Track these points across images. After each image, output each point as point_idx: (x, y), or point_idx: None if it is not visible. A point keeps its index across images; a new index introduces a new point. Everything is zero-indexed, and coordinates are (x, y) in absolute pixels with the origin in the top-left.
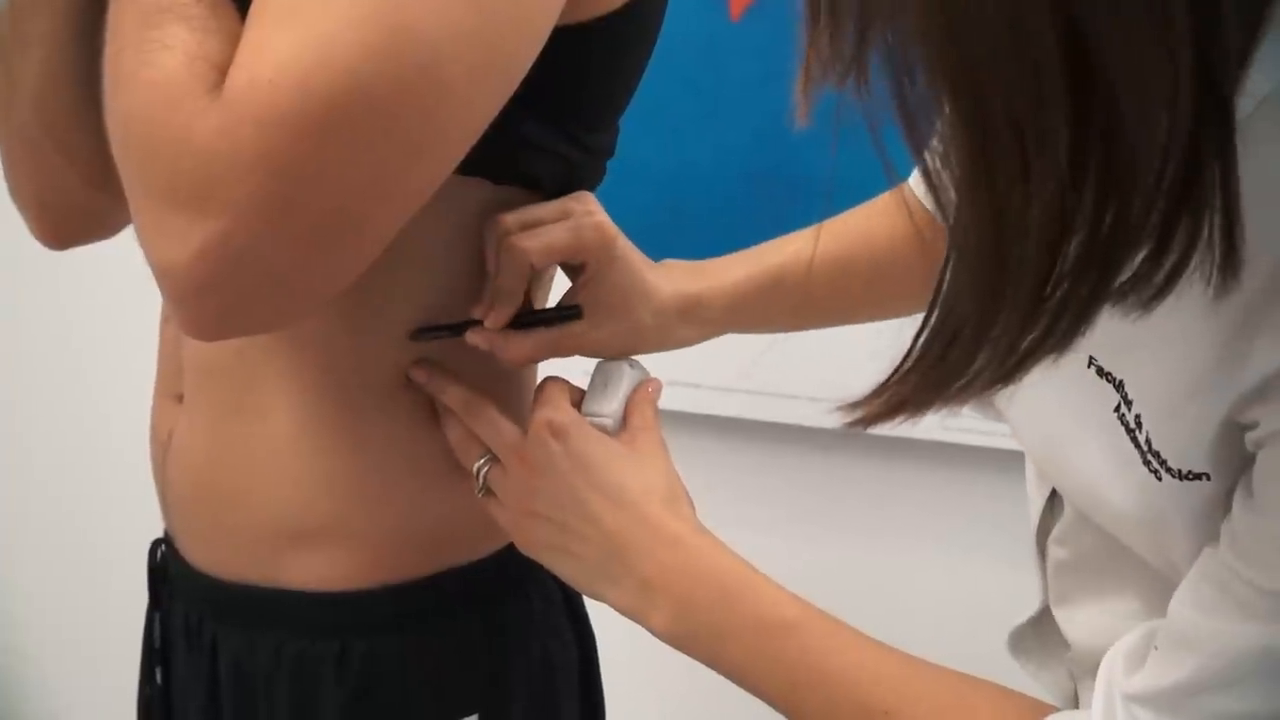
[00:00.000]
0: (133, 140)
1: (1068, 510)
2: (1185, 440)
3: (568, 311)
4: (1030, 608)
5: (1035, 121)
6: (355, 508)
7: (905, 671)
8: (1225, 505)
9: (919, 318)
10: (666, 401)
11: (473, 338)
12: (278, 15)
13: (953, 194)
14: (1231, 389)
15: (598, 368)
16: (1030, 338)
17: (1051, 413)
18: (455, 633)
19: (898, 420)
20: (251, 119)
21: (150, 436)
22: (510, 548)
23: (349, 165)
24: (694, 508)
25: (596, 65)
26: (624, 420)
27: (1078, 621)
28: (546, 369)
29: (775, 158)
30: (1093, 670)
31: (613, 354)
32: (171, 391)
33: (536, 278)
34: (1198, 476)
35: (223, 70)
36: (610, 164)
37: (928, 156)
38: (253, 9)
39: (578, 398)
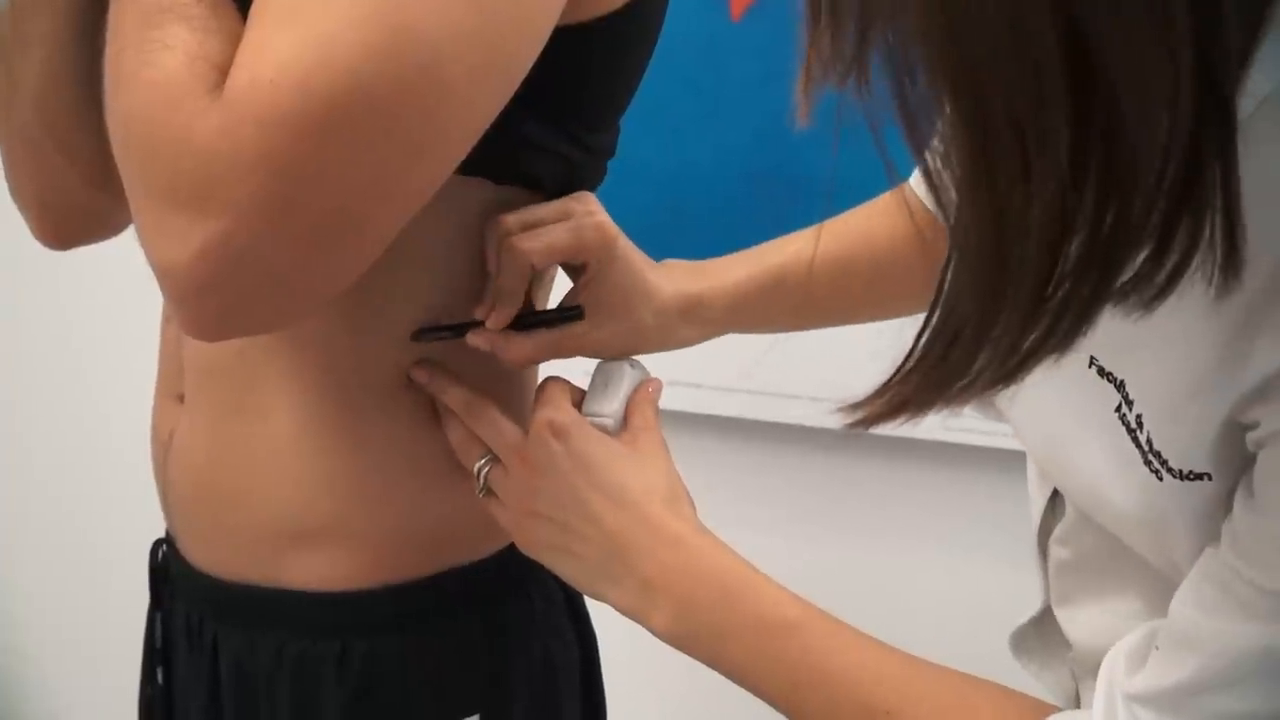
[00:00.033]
0: (133, 140)
1: (1069, 510)
2: (1186, 440)
3: (569, 312)
4: (1031, 608)
5: (1036, 121)
6: (356, 508)
7: (907, 671)
8: (1226, 505)
9: (920, 318)
10: (667, 401)
11: (474, 338)
12: (279, 15)
13: (953, 194)
14: (1232, 389)
15: (598, 368)
16: (1031, 338)
17: (1053, 413)
18: (456, 633)
19: (899, 421)
20: (252, 119)
21: (151, 436)
22: (511, 548)
23: (350, 165)
24: (695, 508)
25: (597, 65)
26: (625, 420)
27: (1079, 621)
28: (547, 369)
29: (776, 158)
30: (1094, 670)
31: (614, 354)
32: (172, 391)
33: (537, 278)
34: (1199, 476)
35: (223, 70)
36: (611, 164)
37: (928, 156)
38: (254, 9)
39: (578, 398)
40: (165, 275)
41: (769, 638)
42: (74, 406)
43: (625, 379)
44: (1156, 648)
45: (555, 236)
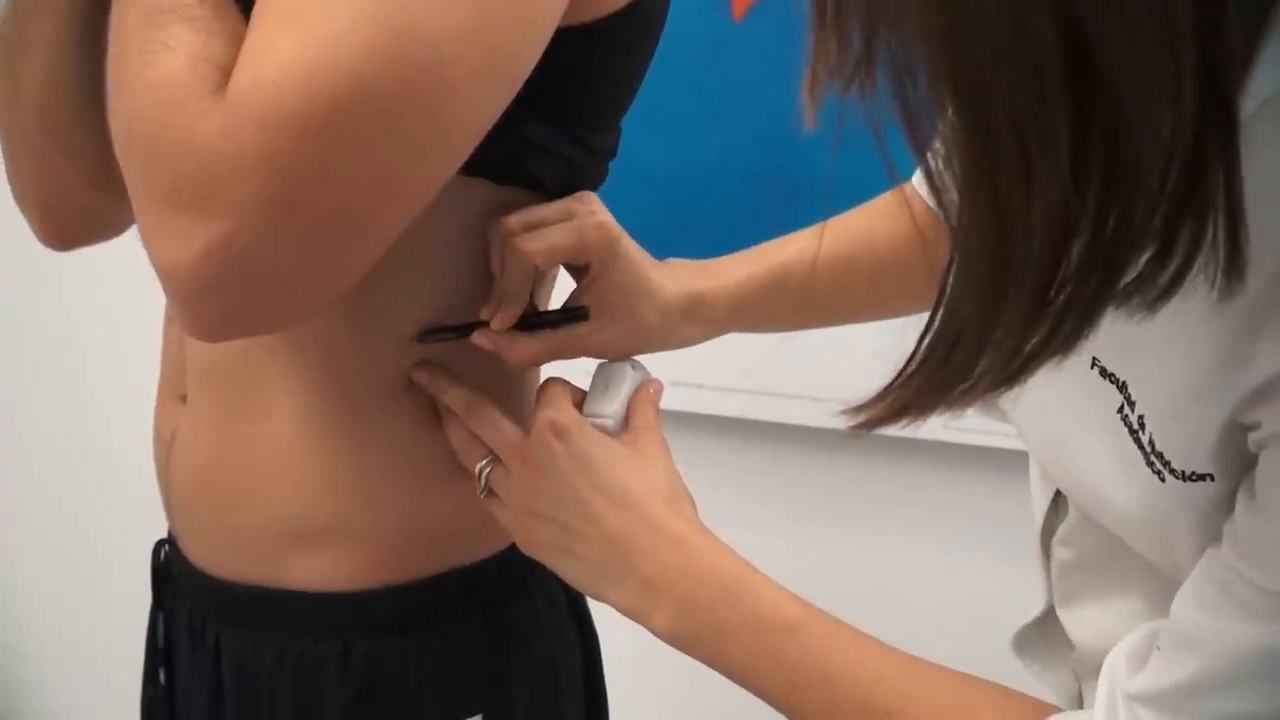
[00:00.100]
0: (136, 141)
1: (1072, 511)
2: (1188, 441)
3: (573, 313)
4: (1032, 608)
5: (1037, 122)
6: (358, 508)
7: (907, 671)
8: (1228, 506)
9: (922, 318)
10: (669, 401)
11: (478, 339)
12: (281, 16)
13: (955, 195)
14: (1234, 390)
15: (599, 369)
16: (1034, 340)
17: (1055, 414)
18: (458, 633)
19: (902, 424)
20: (255, 120)
21: (154, 437)
22: (513, 548)
23: (352, 166)
24: (696, 508)
25: (599, 66)
26: (626, 421)
27: (1082, 622)
28: (548, 370)
29: (778, 158)
30: (1097, 670)
31: (617, 354)
32: (175, 392)
33: (539, 278)
34: (1201, 477)
35: (226, 71)
36: (613, 164)
37: (930, 158)
38: (256, 10)
39: (579, 399)
40: (168, 276)
41: (769, 638)
42: (76, 407)
43: (626, 380)
44: (1158, 648)
45: (558, 237)
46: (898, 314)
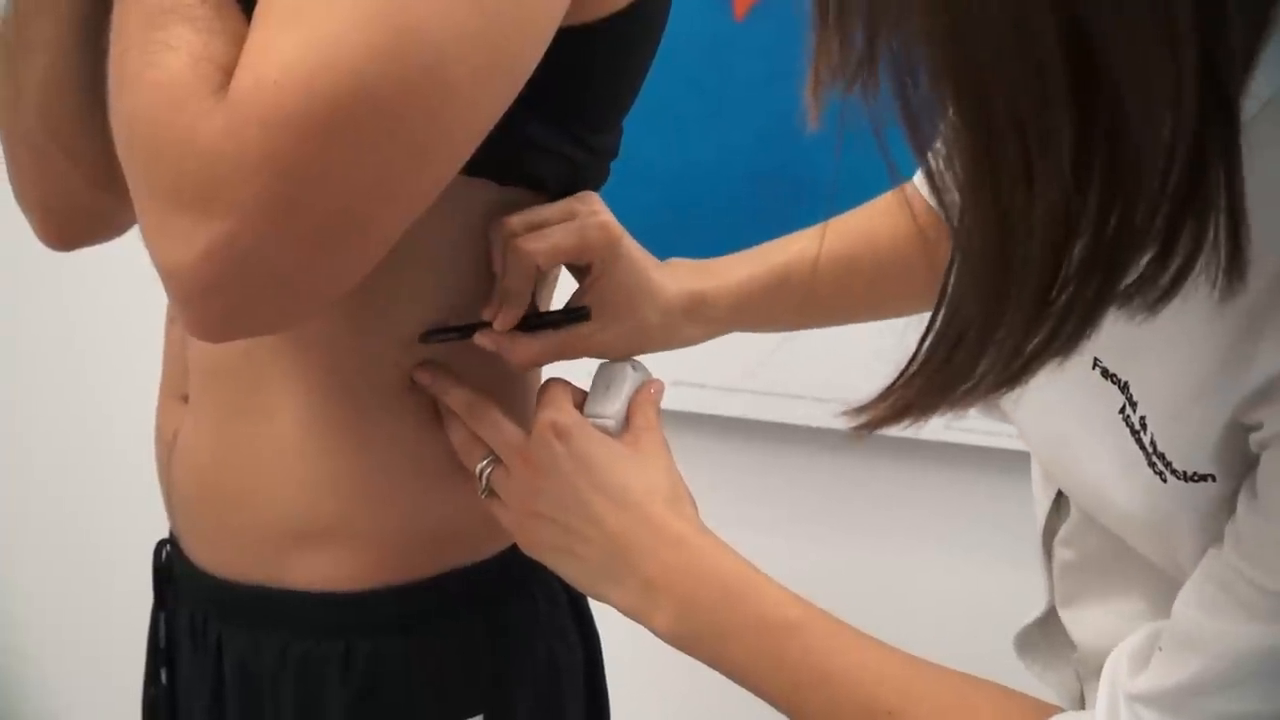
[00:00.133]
0: (137, 141)
1: (1074, 511)
2: (1190, 442)
3: (576, 313)
4: (1034, 608)
5: (1039, 122)
6: (359, 508)
7: (908, 672)
8: (1230, 506)
9: (924, 319)
10: (670, 401)
11: (481, 340)
12: (283, 16)
13: (956, 195)
14: (1236, 391)
15: (600, 369)
16: (1035, 341)
17: (1056, 414)
18: (459, 633)
19: (903, 424)
20: (257, 120)
21: (155, 437)
22: (513, 548)
23: (354, 166)
24: (697, 508)
25: (601, 66)
26: (626, 421)
27: (1084, 622)
28: (549, 370)
29: (779, 158)
30: (1099, 671)
31: (619, 355)
32: (177, 392)
33: (541, 278)
34: (1203, 478)
35: (228, 71)
36: (615, 164)
37: (931, 158)
38: (258, 10)
39: (580, 399)
40: (170, 276)
41: (770, 638)
42: (77, 407)
43: (627, 380)
44: (1159, 648)
45: (560, 237)
46: (899, 314)
